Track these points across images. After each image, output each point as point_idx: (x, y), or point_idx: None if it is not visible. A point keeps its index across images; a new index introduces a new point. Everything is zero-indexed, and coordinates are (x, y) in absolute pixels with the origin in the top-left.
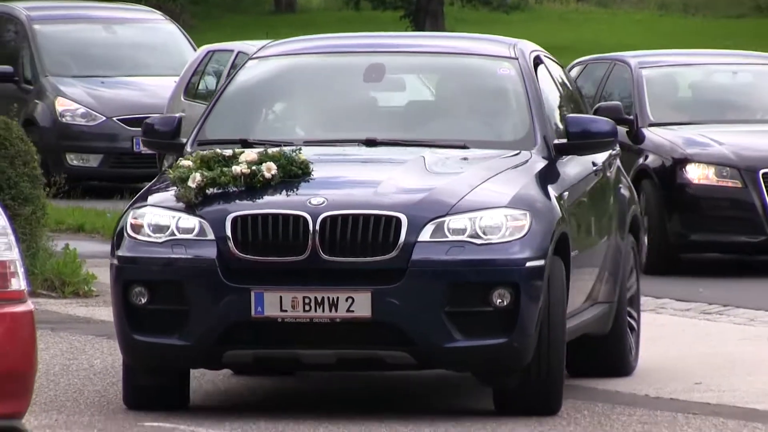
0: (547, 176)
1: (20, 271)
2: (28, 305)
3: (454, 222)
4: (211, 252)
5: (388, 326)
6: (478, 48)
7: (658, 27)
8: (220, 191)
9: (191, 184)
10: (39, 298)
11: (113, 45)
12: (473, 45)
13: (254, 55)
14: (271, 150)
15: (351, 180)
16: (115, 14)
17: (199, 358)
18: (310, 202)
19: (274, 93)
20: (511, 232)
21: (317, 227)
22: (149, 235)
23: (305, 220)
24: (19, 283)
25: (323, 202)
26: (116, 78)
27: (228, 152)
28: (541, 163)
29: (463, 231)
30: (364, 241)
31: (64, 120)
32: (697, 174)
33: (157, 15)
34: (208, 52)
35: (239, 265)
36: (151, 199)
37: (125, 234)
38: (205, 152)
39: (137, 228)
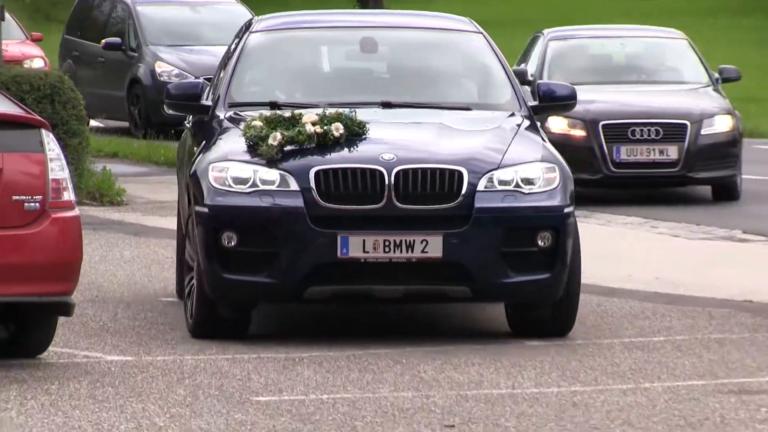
0: (543, 135)
1: (70, 186)
2: (76, 211)
3: (502, 174)
4: (297, 201)
5: (456, 265)
6: (448, 24)
7: (550, 2)
8: (296, 148)
9: (273, 142)
10: (84, 206)
11: (197, 22)
12: (442, 22)
13: (255, 29)
14: (329, 111)
15: (406, 139)
16: None
17: (284, 294)
18: (382, 158)
19: (286, 62)
20: (546, 183)
21: (392, 180)
22: (231, 186)
23: (381, 173)
24: (69, 195)
25: (394, 158)
26: (200, 47)
27: (287, 114)
28: (531, 123)
29: (510, 182)
30: (432, 190)
31: (162, 79)
32: (555, 125)
33: None
34: None
35: (324, 213)
36: (228, 153)
37: (210, 185)
38: (267, 114)
39: (221, 180)
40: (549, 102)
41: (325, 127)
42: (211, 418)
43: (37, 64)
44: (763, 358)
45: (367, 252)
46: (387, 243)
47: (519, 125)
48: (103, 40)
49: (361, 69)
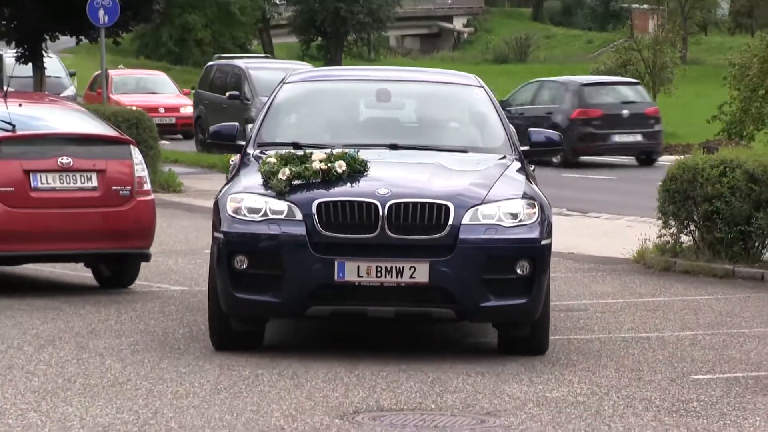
0: (529, 175)
1: (148, 180)
2: (152, 196)
3: (486, 209)
4: (301, 229)
5: (441, 289)
6: (453, 79)
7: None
8: (303, 182)
9: (282, 176)
10: (157, 193)
11: None
12: (447, 77)
13: (288, 80)
14: (336, 151)
15: (402, 176)
16: (287, 65)
17: (287, 312)
18: (377, 192)
19: (311, 108)
20: (527, 218)
21: (385, 212)
22: (245, 215)
23: (376, 206)
24: (148, 186)
25: (388, 193)
26: None
27: (300, 152)
28: (520, 165)
29: (492, 216)
30: (421, 222)
31: None
32: None
33: (306, 65)
34: None
35: (324, 240)
36: (245, 186)
37: (227, 214)
38: (282, 152)
39: (237, 209)
40: (538, 147)
41: (329, 164)
42: None
43: (189, 110)
44: (581, 289)
45: (361, 276)
46: (379, 269)
47: (507, 166)
48: (227, 93)
49: (375, 115)
